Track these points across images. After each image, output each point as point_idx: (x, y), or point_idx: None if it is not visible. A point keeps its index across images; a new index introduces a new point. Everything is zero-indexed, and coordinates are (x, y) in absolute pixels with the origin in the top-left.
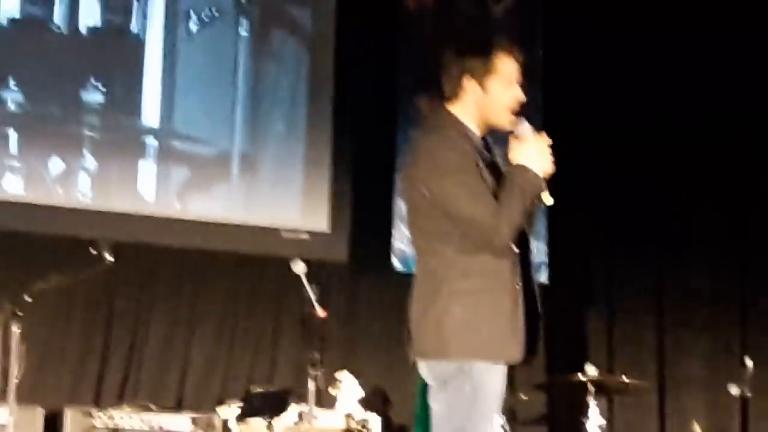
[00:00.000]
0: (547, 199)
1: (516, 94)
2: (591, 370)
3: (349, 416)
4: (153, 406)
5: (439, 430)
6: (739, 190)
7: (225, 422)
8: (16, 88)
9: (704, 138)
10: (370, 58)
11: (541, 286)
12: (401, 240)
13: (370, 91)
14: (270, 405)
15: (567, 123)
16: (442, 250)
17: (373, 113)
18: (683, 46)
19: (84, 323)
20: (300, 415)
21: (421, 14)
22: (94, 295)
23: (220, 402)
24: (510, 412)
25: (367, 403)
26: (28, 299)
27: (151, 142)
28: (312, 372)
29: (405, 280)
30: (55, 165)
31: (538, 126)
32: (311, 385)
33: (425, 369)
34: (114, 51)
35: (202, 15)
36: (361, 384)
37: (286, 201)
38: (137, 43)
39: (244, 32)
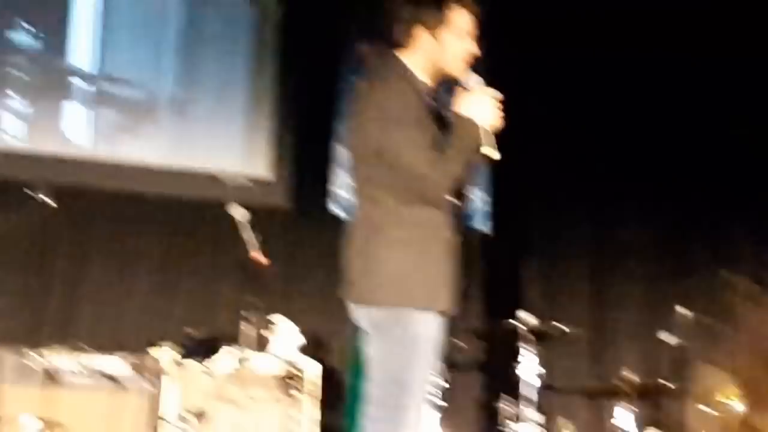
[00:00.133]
0: (494, 154)
1: (469, 47)
2: (525, 317)
3: (286, 361)
4: (87, 348)
5: (375, 376)
6: (675, 146)
7: (157, 365)
8: None
9: (645, 93)
10: (315, 2)
11: (483, 235)
12: (342, 186)
13: (314, 36)
14: (205, 348)
15: (513, 74)
16: (381, 198)
17: (317, 59)
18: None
19: (20, 266)
20: (238, 360)
21: None
22: (30, 238)
23: (156, 345)
24: (447, 358)
25: (306, 349)
26: None
27: (80, 84)
28: (248, 316)
29: (345, 226)
30: None
31: (488, 79)
32: (248, 330)
33: (360, 314)
34: None
35: None
36: (301, 330)
37: (226, 147)
38: None
39: None
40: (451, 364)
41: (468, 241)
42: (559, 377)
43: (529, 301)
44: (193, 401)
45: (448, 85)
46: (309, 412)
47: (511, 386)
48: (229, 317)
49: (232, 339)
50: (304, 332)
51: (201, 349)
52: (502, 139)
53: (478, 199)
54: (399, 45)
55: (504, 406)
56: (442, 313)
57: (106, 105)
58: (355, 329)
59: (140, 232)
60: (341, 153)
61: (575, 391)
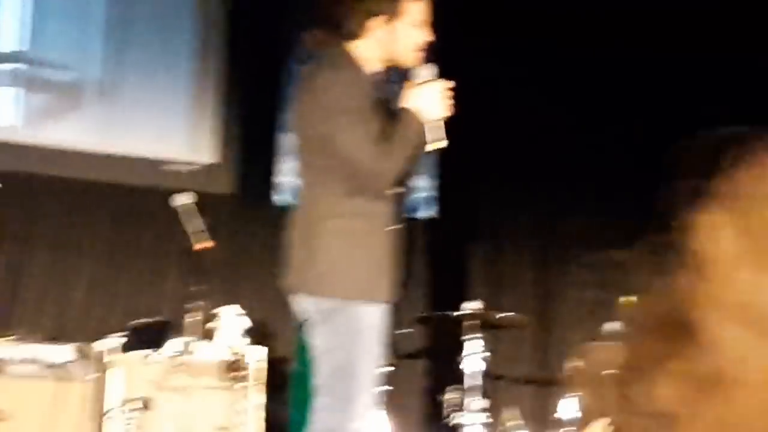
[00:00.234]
0: (441, 144)
1: (422, 36)
2: (470, 305)
3: (231, 349)
4: (31, 336)
5: (321, 366)
6: (623, 132)
7: (101, 354)
8: None
9: (593, 78)
10: None
11: (429, 221)
12: (287, 173)
13: (260, 20)
14: (150, 336)
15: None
16: (324, 187)
17: (262, 44)
18: None
19: None
20: (183, 347)
21: None
22: None
23: (100, 334)
24: (392, 346)
25: (252, 336)
26: None
27: (6, 67)
28: (193, 305)
29: (290, 213)
30: None
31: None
32: (192, 318)
33: (304, 304)
34: None
35: None
36: (247, 317)
37: (170, 132)
38: None
39: None
40: (396, 352)
41: (411, 230)
42: (504, 365)
43: (475, 289)
44: (138, 390)
45: (399, 75)
46: (254, 399)
47: (456, 375)
48: (174, 305)
49: (177, 327)
50: (249, 319)
51: (146, 336)
52: (450, 124)
53: (424, 186)
54: (351, 34)
55: (449, 394)
56: (386, 302)
57: (37, 89)
58: (298, 318)
59: (84, 220)
60: (287, 139)
61: (520, 379)
